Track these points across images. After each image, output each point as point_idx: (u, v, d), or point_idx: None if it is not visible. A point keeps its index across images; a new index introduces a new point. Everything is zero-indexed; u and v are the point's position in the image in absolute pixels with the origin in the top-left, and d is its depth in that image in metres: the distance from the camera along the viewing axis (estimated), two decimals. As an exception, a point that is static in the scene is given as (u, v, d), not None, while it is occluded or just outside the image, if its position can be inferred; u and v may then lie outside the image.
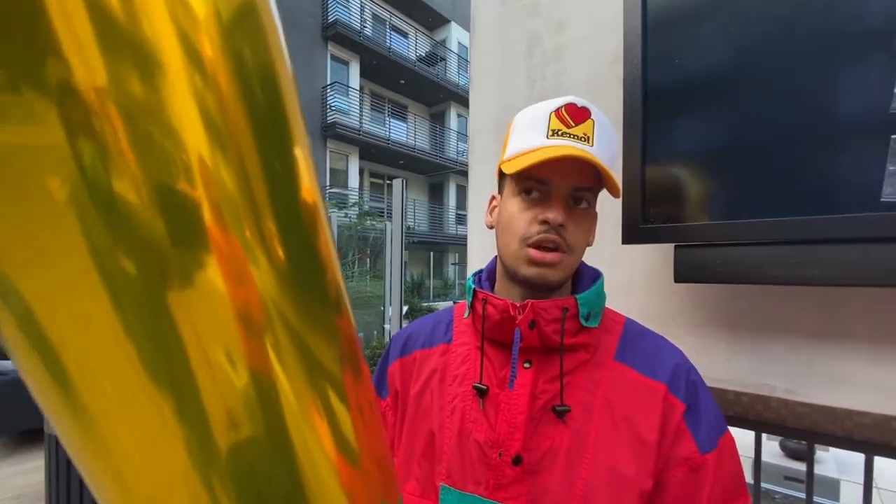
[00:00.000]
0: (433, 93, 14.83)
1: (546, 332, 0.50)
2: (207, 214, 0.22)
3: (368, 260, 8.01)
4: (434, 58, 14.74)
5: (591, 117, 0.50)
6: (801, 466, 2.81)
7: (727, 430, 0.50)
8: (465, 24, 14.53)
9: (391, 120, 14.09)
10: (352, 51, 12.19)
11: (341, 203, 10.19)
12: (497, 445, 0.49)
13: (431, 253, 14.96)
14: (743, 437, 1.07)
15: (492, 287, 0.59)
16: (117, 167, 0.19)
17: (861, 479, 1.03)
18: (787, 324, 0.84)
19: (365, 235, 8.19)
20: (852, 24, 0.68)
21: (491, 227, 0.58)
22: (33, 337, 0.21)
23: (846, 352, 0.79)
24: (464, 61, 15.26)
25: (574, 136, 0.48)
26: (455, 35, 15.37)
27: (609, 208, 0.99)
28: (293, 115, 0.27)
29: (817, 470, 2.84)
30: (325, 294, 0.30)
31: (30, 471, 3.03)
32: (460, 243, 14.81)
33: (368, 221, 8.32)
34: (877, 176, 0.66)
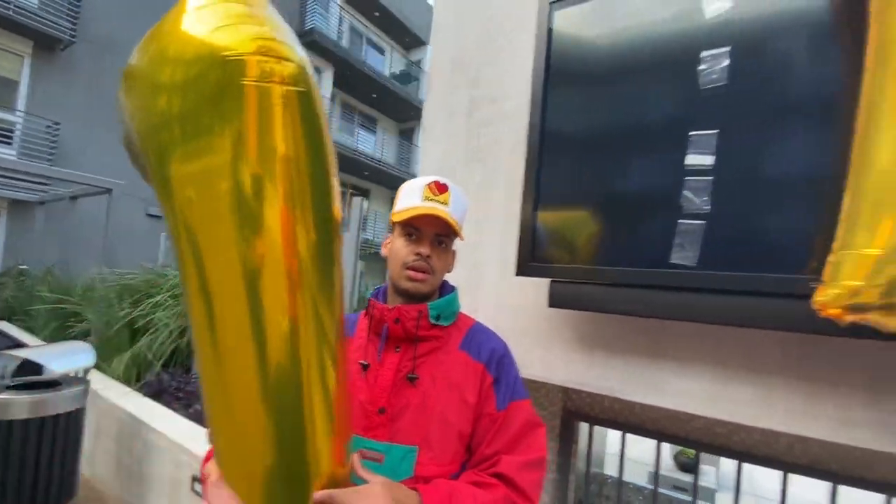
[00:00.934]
0: (404, 110, 15.13)
1: (407, 327, 0.76)
2: (286, 197, 0.42)
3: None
4: (407, 77, 15.15)
5: (449, 190, 0.79)
6: (687, 477, 3.25)
7: (523, 399, 0.77)
8: (441, 49, 15.01)
9: (360, 131, 14.29)
10: (326, 59, 12.29)
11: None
12: (371, 403, 0.75)
13: (388, 266, 15.01)
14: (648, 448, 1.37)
15: (385, 299, 0.85)
16: (247, 167, 0.41)
17: (733, 488, 1.34)
18: (624, 344, 1.15)
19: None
20: (653, 124, 1.02)
21: (385, 257, 0.86)
22: (200, 277, 0.43)
23: (661, 365, 1.11)
24: (436, 83, 15.75)
25: (438, 201, 0.77)
26: (430, 58, 15.89)
27: (514, 249, 1.28)
28: (332, 166, 0.50)
29: (701, 482, 3.29)
30: (333, 277, 0.50)
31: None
32: (418, 258, 14.92)
33: None
34: (669, 246, 0.98)
